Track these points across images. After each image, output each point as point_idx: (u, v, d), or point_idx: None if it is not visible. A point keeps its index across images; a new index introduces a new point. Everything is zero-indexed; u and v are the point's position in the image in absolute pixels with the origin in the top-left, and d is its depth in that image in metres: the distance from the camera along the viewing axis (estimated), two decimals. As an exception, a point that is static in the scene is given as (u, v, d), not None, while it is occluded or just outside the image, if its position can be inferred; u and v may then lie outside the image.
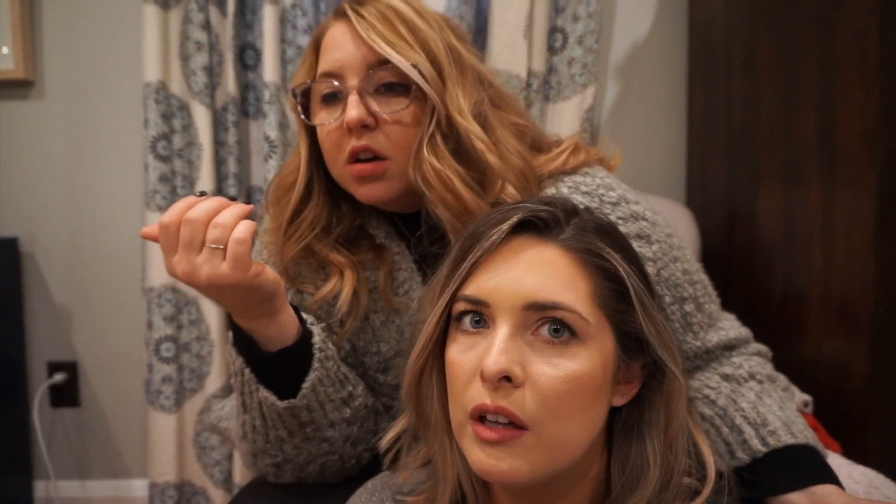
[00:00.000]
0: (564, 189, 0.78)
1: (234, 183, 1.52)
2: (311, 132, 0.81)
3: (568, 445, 0.52)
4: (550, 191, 0.79)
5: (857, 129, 0.99)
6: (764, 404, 0.76)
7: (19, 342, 1.66)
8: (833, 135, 1.05)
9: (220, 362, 1.55)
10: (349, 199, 0.81)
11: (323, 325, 0.80)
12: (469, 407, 0.53)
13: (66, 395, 1.70)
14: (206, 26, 1.49)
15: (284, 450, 0.76)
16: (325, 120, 0.77)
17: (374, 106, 0.74)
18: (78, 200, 1.66)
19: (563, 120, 1.48)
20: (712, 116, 1.47)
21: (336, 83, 0.76)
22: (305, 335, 0.73)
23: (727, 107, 1.40)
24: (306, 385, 0.72)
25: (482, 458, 0.52)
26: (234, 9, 1.48)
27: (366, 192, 0.77)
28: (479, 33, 1.51)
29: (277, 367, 0.71)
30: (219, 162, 1.54)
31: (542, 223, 0.56)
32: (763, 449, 0.72)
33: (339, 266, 0.80)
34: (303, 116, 0.80)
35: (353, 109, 0.73)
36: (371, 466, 0.81)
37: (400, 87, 0.75)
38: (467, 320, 0.55)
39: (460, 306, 0.55)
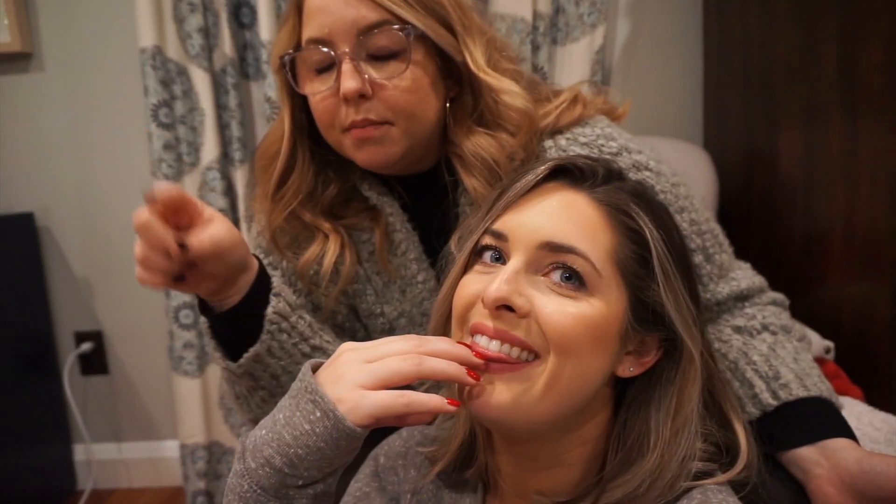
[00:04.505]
0: (563, 141, 0.76)
1: (238, 147, 1.50)
2: (293, 97, 0.77)
3: (561, 385, 0.50)
4: (548, 144, 0.77)
5: (880, 62, 0.93)
6: (777, 356, 0.74)
7: (45, 314, 1.70)
8: (855, 69, 0.99)
9: (238, 327, 1.57)
10: (335, 164, 0.80)
11: (304, 291, 0.80)
12: (468, 325, 0.53)
13: (94, 363, 1.75)
14: (199, -14, 1.45)
15: (251, 406, 0.78)
16: (317, 89, 0.74)
17: (371, 73, 0.71)
18: (86, 172, 1.67)
19: (573, 63, 1.43)
20: (728, 54, 1.40)
21: (325, 49, 0.72)
22: (260, 302, 0.70)
23: (744, 43, 1.33)
24: (248, 355, 0.71)
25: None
26: (226, -34, 1.43)
27: (365, 157, 0.74)
28: (481, -23, 1.45)
29: (230, 325, 0.70)
30: (222, 126, 1.52)
31: (579, 172, 0.56)
32: (774, 403, 0.70)
33: (324, 231, 0.79)
34: (293, 84, 0.76)
35: (350, 80, 0.70)
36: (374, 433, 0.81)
37: (395, 50, 0.71)
38: (487, 255, 0.55)
39: (483, 239, 0.56)
